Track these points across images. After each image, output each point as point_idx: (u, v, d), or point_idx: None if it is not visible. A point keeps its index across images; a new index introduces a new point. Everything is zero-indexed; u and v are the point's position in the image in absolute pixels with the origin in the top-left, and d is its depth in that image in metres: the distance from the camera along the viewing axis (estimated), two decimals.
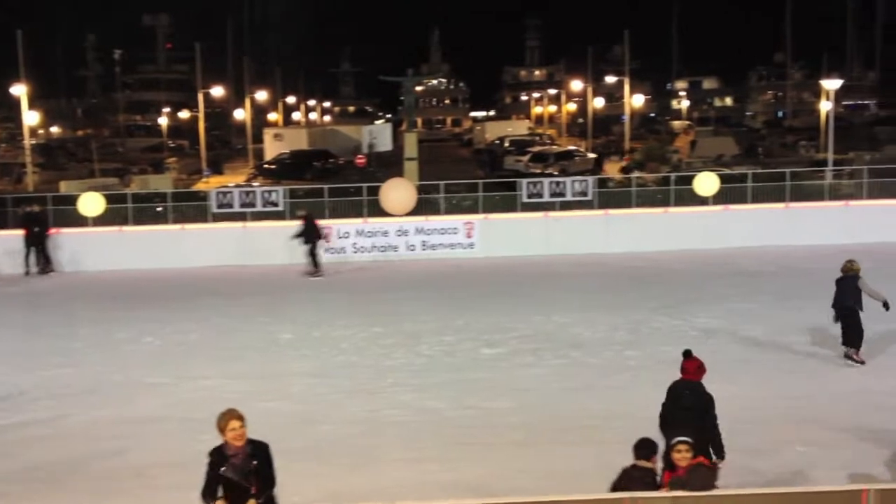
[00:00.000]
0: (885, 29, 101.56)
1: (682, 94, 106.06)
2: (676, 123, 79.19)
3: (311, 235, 23.07)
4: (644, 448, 7.44)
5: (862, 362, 13.96)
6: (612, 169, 48.38)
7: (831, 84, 38.31)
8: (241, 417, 6.98)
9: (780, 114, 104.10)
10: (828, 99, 40.70)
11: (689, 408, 8.65)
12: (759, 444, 10.94)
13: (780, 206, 26.43)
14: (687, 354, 9.17)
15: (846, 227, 25.24)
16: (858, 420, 11.69)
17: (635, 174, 35.65)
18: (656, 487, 7.13)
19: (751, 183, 28.68)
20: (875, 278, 20.47)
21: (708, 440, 8.53)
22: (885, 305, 13.60)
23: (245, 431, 6.98)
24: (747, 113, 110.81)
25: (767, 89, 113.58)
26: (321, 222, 23.94)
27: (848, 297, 13.97)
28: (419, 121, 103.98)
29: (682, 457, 7.27)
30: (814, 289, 19.62)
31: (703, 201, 27.19)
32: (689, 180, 28.08)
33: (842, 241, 24.66)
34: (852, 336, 14.01)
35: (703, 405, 8.69)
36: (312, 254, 23.04)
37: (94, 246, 24.88)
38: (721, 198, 27.40)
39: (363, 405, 13.03)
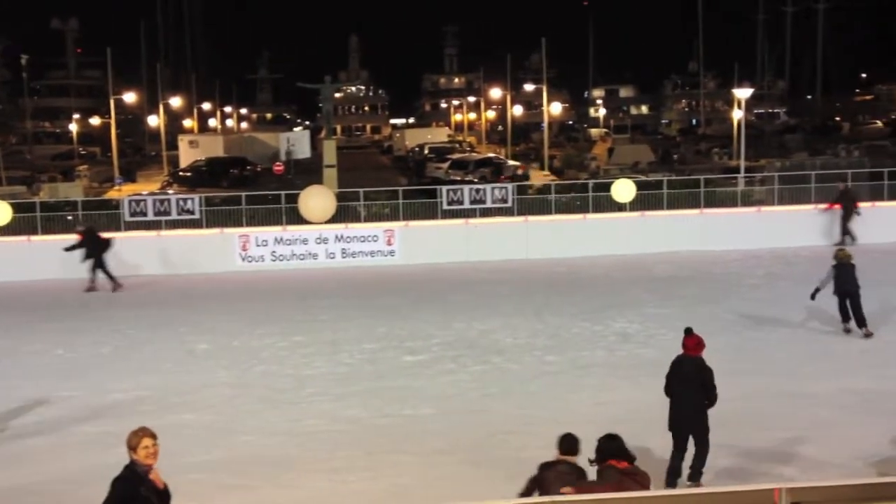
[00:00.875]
0: (793, 40, 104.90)
1: (600, 102, 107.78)
2: (594, 131, 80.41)
3: (93, 250, 22.14)
4: (567, 443, 7.50)
5: (871, 334, 15.74)
6: (533, 176, 48.81)
7: (742, 93, 39.37)
8: (154, 435, 6.77)
9: (694, 122, 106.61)
10: (739, 107, 41.79)
11: (688, 379, 9.75)
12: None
13: (695, 212, 26.99)
14: (688, 332, 10.07)
15: (758, 233, 25.91)
16: (773, 420, 11.96)
17: (554, 181, 36.06)
18: (576, 482, 7.11)
19: (666, 189, 29.24)
20: (786, 281, 21.15)
21: (704, 408, 9.74)
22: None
23: (158, 449, 6.76)
24: (663, 121, 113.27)
25: (682, 98, 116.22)
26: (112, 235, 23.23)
27: (850, 282, 15.80)
28: (338, 128, 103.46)
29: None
30: (727, 293, 20.15)
31: (620, 208, 27.62)
32: (606, 187, 28.49)
33: (753, 246, 25.37)
34: (860, 315, 15.83)
35: (701, 377, 9.71)
36: (98, 268, 22.09)
37: (1, 256, 24.06)
38: (638, 204, 27.87)
39: (283, 415, 12.85)
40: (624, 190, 27.43)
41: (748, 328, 16.89)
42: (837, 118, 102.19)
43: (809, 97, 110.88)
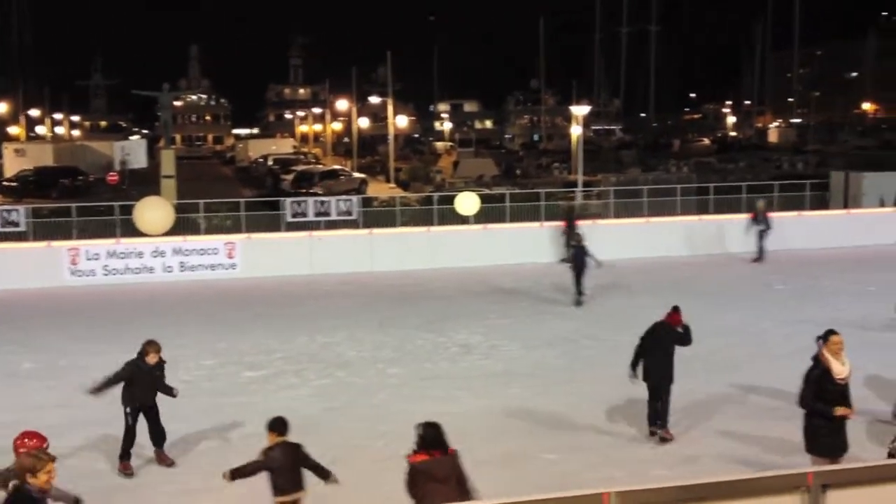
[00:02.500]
0: (628, 60, 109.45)
1: (445, 115, 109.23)
2: (439, 144, 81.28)
3: None
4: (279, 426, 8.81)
5: None
6: (379, 188, 48.82)
7: (580, 110, 40.72)
8: (54, 459, 6.66)
9: (535, 137, 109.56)
10: (578, 124, 43.18)
11: (663, 344, 11.48)
12: (513, 451, 11.26)
13: (536, 224, 27.62)
14: (676, 308, 11.74)
15: (594, 245, 26.64)
16: (611, 425, 12.30)
17: (400, 194, 36.16)
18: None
19: (509, 203, 29.86)
20: (618, 291, 21.91)
21: (671, 367, 11.47)
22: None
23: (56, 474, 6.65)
24: (506, 135, 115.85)
25: (524, 113, 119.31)
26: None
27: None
28: (178, 137, 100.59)
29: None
30: (563, 302, 20.68)
31: (464, 220, 27.97)
32: (451, 200, 28.81)
33: None
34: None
35: (671, 339, 11.55)
36: None
37: None
38: (481, 217, 28.32)
39: (115, 436, 12.23)
40: (468, 203, 27.81)
41: (587, 338, 17.36)
42: (669, 135, 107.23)
43: (643, 115, 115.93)
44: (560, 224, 25.88)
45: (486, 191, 36.70)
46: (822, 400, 9.04)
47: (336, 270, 24.71)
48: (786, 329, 17.10)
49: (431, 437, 7.51)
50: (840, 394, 9.02)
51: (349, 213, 27.38)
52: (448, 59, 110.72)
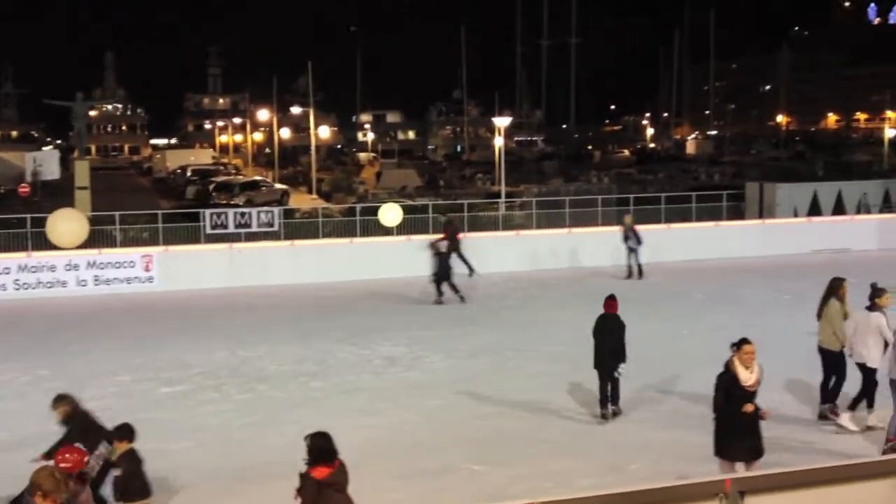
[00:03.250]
0: (549, 72, 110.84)
1: (368, 126, 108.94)
2: (362, 155, 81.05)
3: None
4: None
5: None
6: (301, 200, 48.38)
7: (502, 121, 40.99)
8: (69, 489, 6.58)
9: (459, 148, 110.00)
10: (500, 135, 43.48)
11: (610, 331, 12.57)
12: (438, 464, 11.17)
13: (459, 235, 27.57)
14: (612, 297, 12.94)
15: (518, 255, 26.86)
16: (537, 436, 12.30)
17: (322, 205, 35.84)
18: None
19: (432, 214, 29.84)
20: (543, 302, 22.04)
21: (617, 351, 12.50)
22: None
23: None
24: (429, 146, 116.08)
25: (447, 124, 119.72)
26: None
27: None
28: (93, 148, 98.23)
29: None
30: (490, 314, 20.71)
31: (387, 231, 27.84)
32: (374, 211, 28.66)
33: (514, 268, 26.27)
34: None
35: (619, 330, 12.62)
36: None
37: None
38: (404, 228, 28.22)
39: (24, 457, 11.74)
40: (391, 214, 27.70)
41: (507, 348, 17.37)
42: (590, 147, 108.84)
43: (564, 126, 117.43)
44: (440, 237, 25.25)
45: (410, 202, 36.67)
46: (730, 405, 9.22)
47: (257, 283, 24.33)
48: (702, 336, 17.37)
49: (326, 447, 7.39)
50: (748, 400, 9.20)
51: (270, 224, 27.01)
52: (370, 69, 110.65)
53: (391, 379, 15.44)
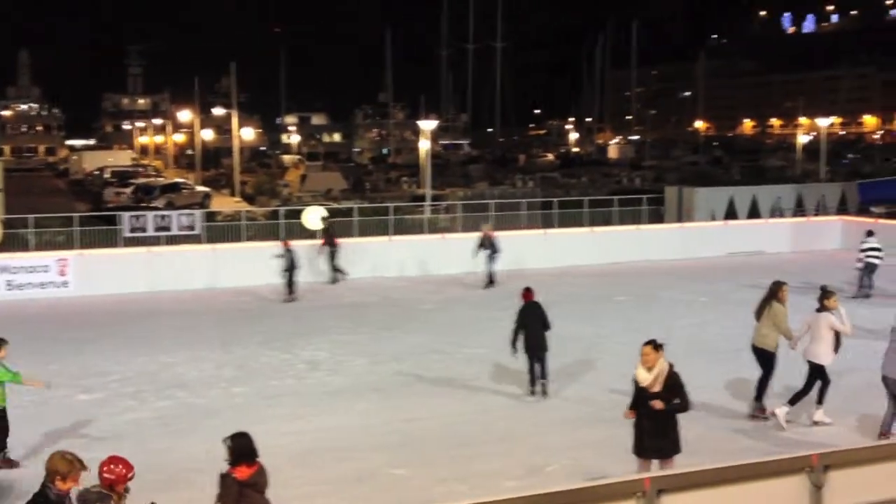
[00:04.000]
0: (475, 76, 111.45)
1: (292, 128, 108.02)
2: (287, 157, 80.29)
3: None
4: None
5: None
6: (223, 202, 47.72)
7: (427, 125, 41.01)
8: (87, 469, 6.60)
9: (385, 150, 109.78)
10: (425, 138, 43.52)
11: (536, 317, 13.95)
12: (362, 468, 11.13)
13: (384, 238, 27.59)
14: (527, 289, 14.32)
15: (441, 258, 26.91)
16: (460, 439, 12.33)
17: (245, 208, 35.41)
18: None
19: (357, 217, 29.72)
20: (462, 305, 22.13)
21: (545, 335, 13.93)
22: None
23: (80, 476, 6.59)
24: (354, 149, 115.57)
25: (373, 127, 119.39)
26: None
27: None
28: (6, 148, 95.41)
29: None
30: (409, 317, 20.72)
31: (311, 235, 27.63)
32: (298, 214, 28.42)
33: (435, 271, 26.35)
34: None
35: (543, 315, 14.04)
36: None
37: None
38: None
39: None
40: (315, 217, 27.51)
41: (434, 351, 17.40)
42: (515, 150, 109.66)
43: (490, 130, 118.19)
44: (319, 242, 25.32)
45: (335, 205, 36.47)
46: (638, 404, 9.52)
47: (177, 287, 23.91)
48: (623, 338, 17.63)
49: (247, 448, 7.33)
50: (645, 399, 9.41)
51: (191, 227, 26.58)
52: (295, 71, 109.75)
53: (314, 384, 15.33)
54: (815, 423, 12.38)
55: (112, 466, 6.64)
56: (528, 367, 14.09)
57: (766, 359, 12.99)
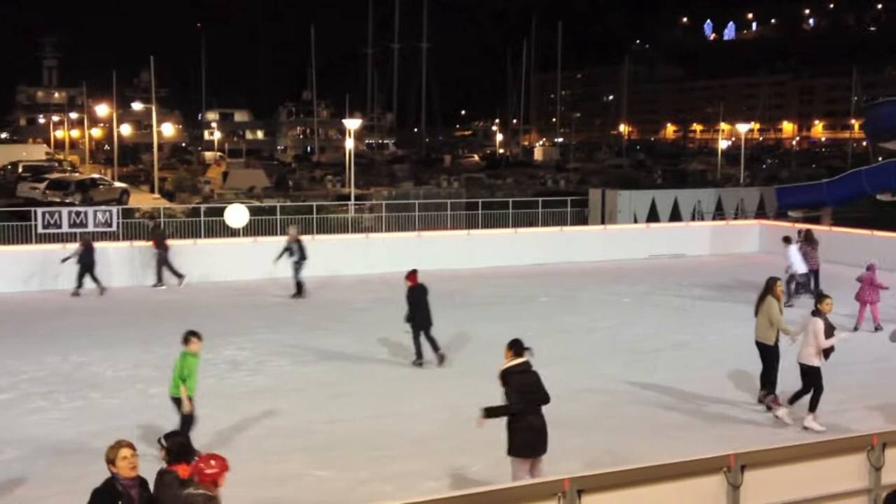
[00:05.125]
0: (401, 76, 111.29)
1: (214, 125, 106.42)
2: (208, 154, 79.12)
3: None
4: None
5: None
6: (142, 199, 46.71)
7: (352, 123, 40.80)
8: (132, 446, 6.78)
9: (309, 149, 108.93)
10: (350, 137, 43.30)
11: (424, 300, 15.96)
12: (283, 470, 10.95)
13: (308, 237, 27.23)
14: (413, 271, 16.36)
15: (366, 258, 26.73)
16: (382, 441, 12.21)
17: (165, 205, 34.68)
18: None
19: (279, 216, 29.38)
20: (393, 305, 21.99)
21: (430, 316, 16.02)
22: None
23: (138, 461, 6.74)
24: (278, 147, 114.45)
25: (297, 125, 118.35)
26: None
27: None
28: None
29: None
30: (336, 318, 20.51)
31: (233, 233, 27.20)
32: (220, 212, 27.94)
33: (362, 271, 26.14)
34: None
35: (426, 295, 16.09)
36: None
37: None
38: (251, 229, 27.65)
39: None
40: (237, 215, 27.06)
41: (358, 352, 17.23)
42: (440, 151, 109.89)
43: (416, 130, 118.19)
44: (150, 244, 24.14)
45: (257, 203, 35.99)
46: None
47: (92, 285, 23.24)
48: (547, 339, 17.72)
49: (188, 445, 7.30)
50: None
51: (108, 224, 25.90)
52: (218, 66, 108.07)
53: (234, 384, 15.04)
54: (805, 429, 12.33)
55: (212, 462, 6.67)
56: (416, 341, 15.93)
57: (766, 352, 13.38)
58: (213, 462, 6.64)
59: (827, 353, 12.49)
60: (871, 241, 27.30)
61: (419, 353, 15.94)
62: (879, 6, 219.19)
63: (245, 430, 12.66)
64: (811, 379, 12.52)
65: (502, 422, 9.74)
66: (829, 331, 12.42)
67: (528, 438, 9.37)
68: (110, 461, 6.74)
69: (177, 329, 18.82)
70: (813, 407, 12.50)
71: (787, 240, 22.35)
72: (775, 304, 13.24)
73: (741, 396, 14.15)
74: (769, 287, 13.48)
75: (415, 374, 15.62)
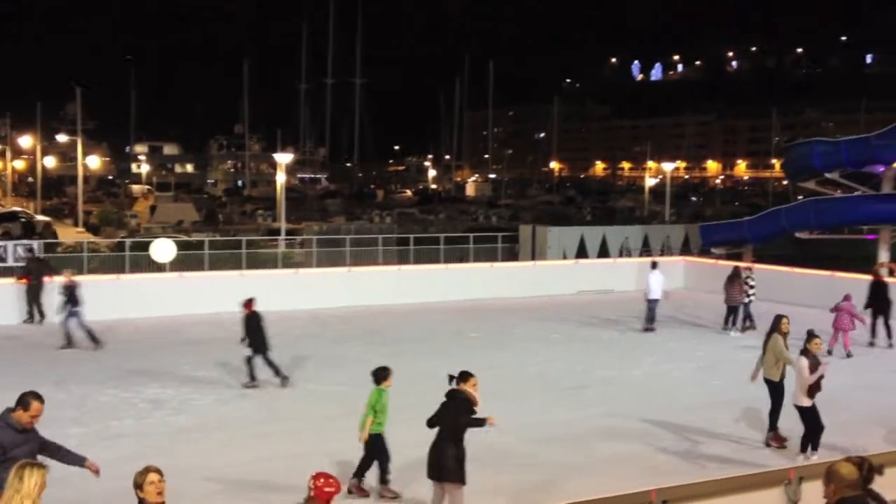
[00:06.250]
0: (334, 111, 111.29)
1: (143, 158, 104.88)
2: (136, 187, 77.86)
3: None
4: None
5: None
6: (66, 233, 45.64)
7: (284, 157, 40.60)
8: (159, 471, 6.81)
9: (240, 183, 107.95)
10: (281, 171, 43.02)
11: (261, 325, 17.19)
12: None
13: (235, 273, 26.92)
14: (249, 301, 17.50)
15: (296, 294, 26.43)
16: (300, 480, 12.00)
17: (89, 238, 33.93)
18: None
19: (208, 250, 28.96)
20: (319, 340, 21.79)
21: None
22: None
23: (164, 486, 6.79)
24: (209, 180, 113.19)
25: (228, 158, 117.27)
26: None
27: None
28: None
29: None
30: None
31: (159, 268, 26.72)
32: (146, 246, 27.45)
33: (290, 307, 25.84)
34: None
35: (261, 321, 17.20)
36: None
37: None
38: (178, 264, 27.19)
39: None
40: (163, 249, 26.62)
41: (278, 389, 16.98)
42: (373, 186, 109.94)
43: (348, 165, 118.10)
44: (22, 281, 23.10)
45: (185, 237, 35.47)
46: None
47: (8, 322, 22.57)
48: (477, 375, 17.68)
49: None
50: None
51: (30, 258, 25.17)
52: (147, 99, 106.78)
53: (157, 423, 14.69)
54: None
55: (329, 480, 6.86)
56: (249, 365, 16.97)
57: (772, 389, 13.47)
58: (331, 481, 6.84)
59: (812, 391, 12.35)
60: (790, 278, 28.03)
61: (252, 376, 16.90)
62: (799, 50, 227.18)
63: (166, 471, 12.29)
64: (805, 419, 12.53)
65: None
66: (815, 368, 12.40)
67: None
68: (138, 486, 6.79)
69: (95, 367, 18.41)
70: (806, 446, 12.49)
71: (653, 265, 24.56)
72: (780, 340, 13.43)
73: (667, 430, 14.30)
74: (775, 324, 13.70)
75: (340, 410, 15.44)
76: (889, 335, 21.49)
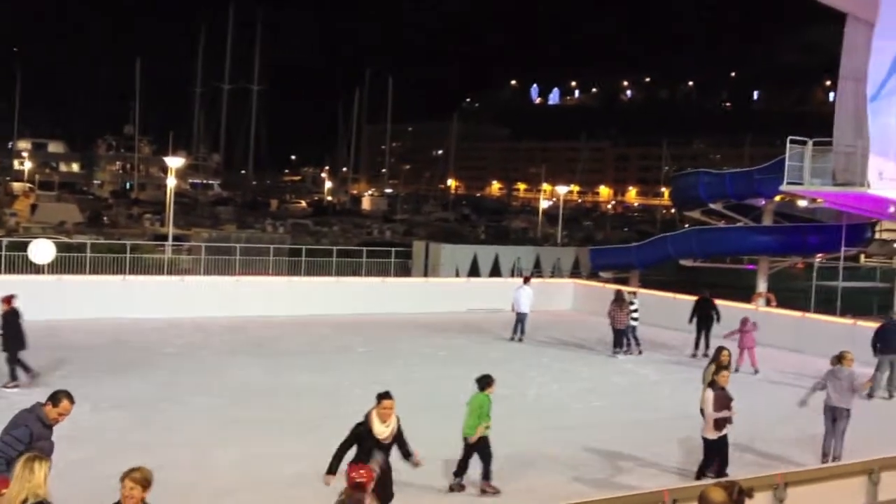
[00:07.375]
0: (230, 117, 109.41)
1: (25, 154, 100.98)
2: (17, 185, 74.83)
3: None
4: None
5: None
6: None
7: (175, 162, 39.64)
8: (137, 480, 6.66)
9: (128, 185, 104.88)
10: (172, 175, 41.96)
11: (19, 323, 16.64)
12: None
13: (118, 277, 26.10)
14: (8, 296, 16.66)
15: (181, 301, 25.78)
16: (191, 487, 11.63)
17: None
18: None
19: (90, 253, 28.00)
20: (205, 350, 21.26)
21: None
22: None
23: (138, 497, 6.62)
24: (95, 181, 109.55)
25: (116, 160, 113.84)
26: None
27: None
28: None
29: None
30: (145, 361, 19.61)
31: (37, 269, 25.68)
32: (24, 246, 26.36)
33: (175, 314, 25.22)
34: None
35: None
36: None
37: None
38: (58, 267, 26.20)
39: None
40: (42, 250, 25.58)
41: (160, 399, 16.49)
42: (267, 195, 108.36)
43: (243, 172, 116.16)
44: None
45: (66, 239, 34.22)
46: (361, 454, 9.27)
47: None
48: (361, 389, 17.56)
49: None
50: (381, 450, 9.37)
51: None
52: (32, 94, 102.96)
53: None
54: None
55: (362, 471, 7.26)
56: (10, 363, 16.71)
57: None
58: (362, 472, 7.27)
59: (719, 423, 12.17)
60: (673, 304, 28.79)
61: (13, 376, 16.56)
62: (690, 83, 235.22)
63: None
64: (708, 451, 12.31)
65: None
66: (725, 402, 12.22)
67: None
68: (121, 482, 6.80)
69: None
70: (718, 472, 12.03)
71: (526, 280, 26.73)
72: (710, 370, 13.44)
73: (560, 449, 14.41)
74: (715, 355, 13.89)
75: (217, 422, 15.06)
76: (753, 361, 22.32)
